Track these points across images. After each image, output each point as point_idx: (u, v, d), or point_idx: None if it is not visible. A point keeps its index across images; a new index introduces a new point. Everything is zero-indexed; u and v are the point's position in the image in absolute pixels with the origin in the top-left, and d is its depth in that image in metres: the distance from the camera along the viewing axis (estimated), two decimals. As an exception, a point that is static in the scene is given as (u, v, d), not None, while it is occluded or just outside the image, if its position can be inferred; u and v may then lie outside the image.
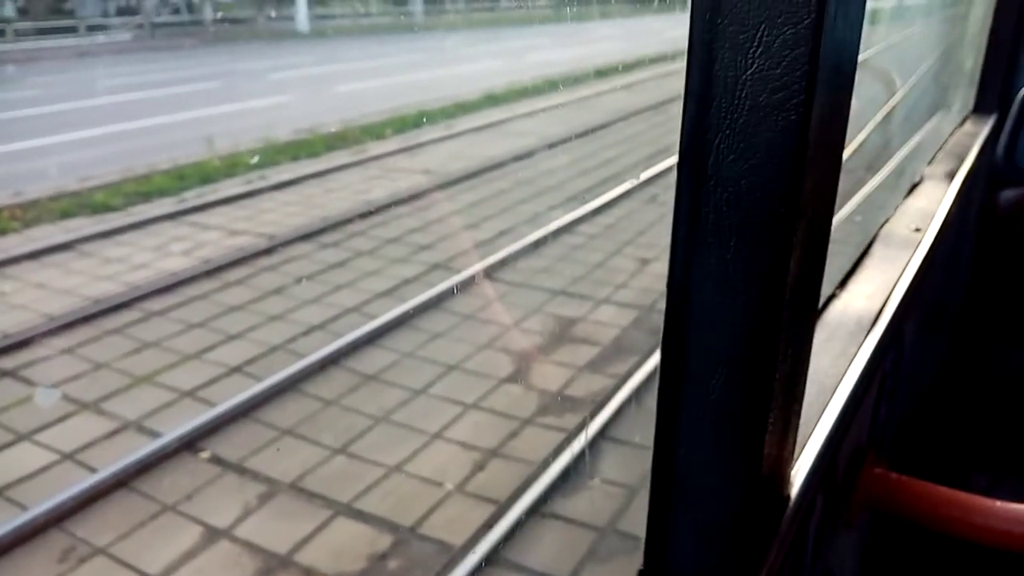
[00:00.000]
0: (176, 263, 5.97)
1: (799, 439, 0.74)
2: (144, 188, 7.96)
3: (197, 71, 19.88)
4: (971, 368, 2.52)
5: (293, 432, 3.77)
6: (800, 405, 0.70)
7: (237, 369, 4.35)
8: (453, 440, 3.69)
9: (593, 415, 3.79)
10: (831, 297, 1.16)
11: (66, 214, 7.20)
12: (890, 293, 1.14)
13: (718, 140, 0.52)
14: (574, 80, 15.05)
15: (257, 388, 4.08)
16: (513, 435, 3.71)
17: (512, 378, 4.22)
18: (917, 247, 1.32)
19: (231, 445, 3.69)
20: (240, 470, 3.51)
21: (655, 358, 4.33)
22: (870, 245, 1.39)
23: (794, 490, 0.72)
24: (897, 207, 1.63)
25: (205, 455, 3.61)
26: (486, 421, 3.84)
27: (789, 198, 0.51)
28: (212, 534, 3.12)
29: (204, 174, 8.47)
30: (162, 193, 7.87)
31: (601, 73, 16.09)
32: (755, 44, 0.49)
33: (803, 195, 0.52)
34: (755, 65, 0.49)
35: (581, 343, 4.58)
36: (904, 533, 1.17)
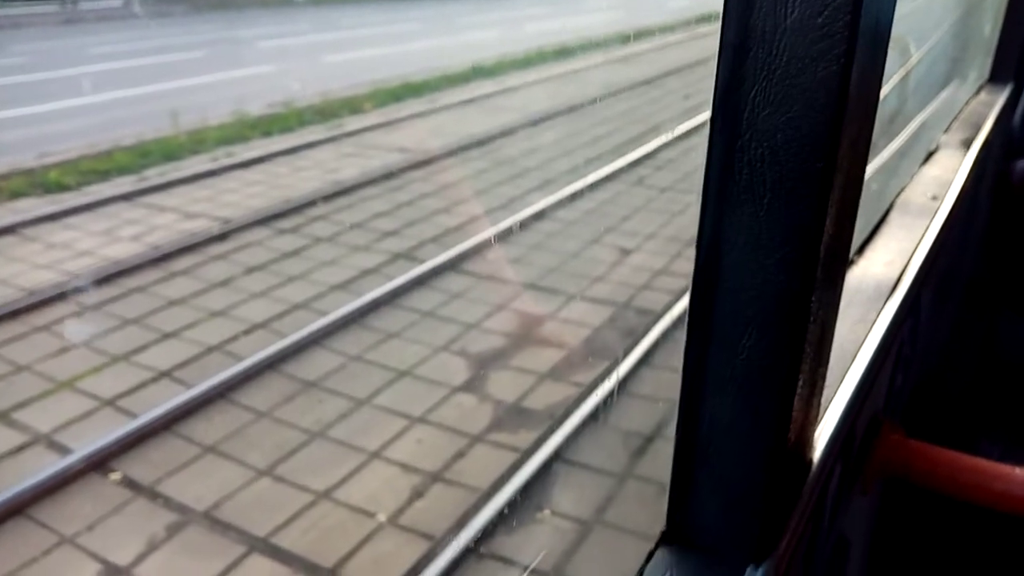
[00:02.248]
0: (122, 250, 5.57)
1: (821, 404, 0.72)
2: (103, 166, 7.53)
3: (183, 39, 19.29)
4: (982, 337, 2.53)
5: (216, 449, 3.41)
6: (826, 369, 0.69)
7: (166, 374, 3.98)
8: (393, 460, 3.32)
9: (549, 433, 3.41)
10: (850, 263, 1.13)
11: (16, 194, 6.79)
12: (908, 260, 1.13)
13: (754, 92, 0.50)
14: (568, 52, 14.50)
15: (184, 397, 3.71)
16: (460, 455, 3.34)
17: (466, 386, 3.84)
18: (934, 215, 1.30)
19: (146, 464, 3.32)
20: (152, 495, 3.15)
21: (628, 361, 3.95)
22: (887, 212, 1.38)
23: (816, 455, 0.70)
24: (913, 175, 1.61)
25: (116, 476, 3.25)
26: (432, 438, 3.46)
27: (827, 153, 0.50)
28: (110, 574, 2.76)
29: (168, 151, 8.04)
30: (121, 171, 7.44)
31: (598, 44, 15.53)
32: None
33: (840, 150, 0.50)
34: (795, 13, 0.48)
35: (546, 345, 4.20)
36: (918, 499, 1.16)
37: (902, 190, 1.50)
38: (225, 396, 3.77)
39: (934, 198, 1.43)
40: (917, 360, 1.31)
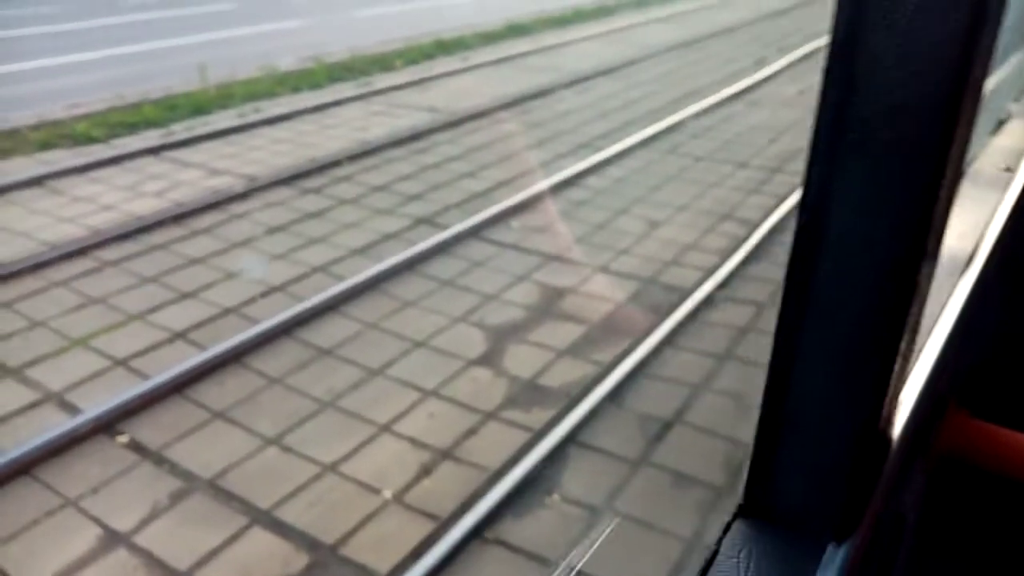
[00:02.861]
0: (146, 205, 5.53)
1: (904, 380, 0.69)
2: (132, 118, 7.49)
3: (217, -10, 19.17)
4: None
5: (226, 415, 3.36)
6: (914, 344, 0.64)
7: (181, 335, 3.93)
8: (403, 435, 3.24)
9: (564, 413, 3.30)
10: None
11: (45, 145, 6.78)
12: (982, 235, 1.08)
13: (874, 43, 0.47)
14: (608, 10, 14.09)
15: (197, 359, 3.66)
16: (471, 432, 3.25)
17: (482, 360, 3.73)
18: (1008, 187, 1.24)
19: (155, 428, 3.29)
20: (158, 459, 3.12)
21: (651, 341, 3.81)
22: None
23: (895, 433, 0.67)
24: (984, 145, 1.52)
25: (123, 439, 3.22)
26: (444, 412, 3.38)
27: (949, 113, 0.46)
28: (109, 539, 2.73)
29: (196, 105, 7.97)
30: (149, 124, 7.40)
31: (639, 3, 15.06)
32: None
33: (963, 111, 0.47)
34: None
35: (567, 320, 4.07)
36: (971, 479, 1.12)
37: (972, 160, 1.39)
38: (239, 360, 3.72)
39: (1008, 169, 1.35)
40: (985, 339, 1.27)
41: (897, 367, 0.58)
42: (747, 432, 3.21)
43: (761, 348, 3.72)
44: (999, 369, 1.32)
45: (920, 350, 0.81)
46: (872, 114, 0.49)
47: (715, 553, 0.63)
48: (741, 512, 0.66)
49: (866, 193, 0.51)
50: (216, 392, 3.51)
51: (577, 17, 13.39)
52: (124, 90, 8.44)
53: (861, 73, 0.48)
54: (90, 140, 6.92)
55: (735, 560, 0.62)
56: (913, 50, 0.46)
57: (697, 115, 7.59)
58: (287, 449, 3.18)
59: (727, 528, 0.65)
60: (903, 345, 0.56)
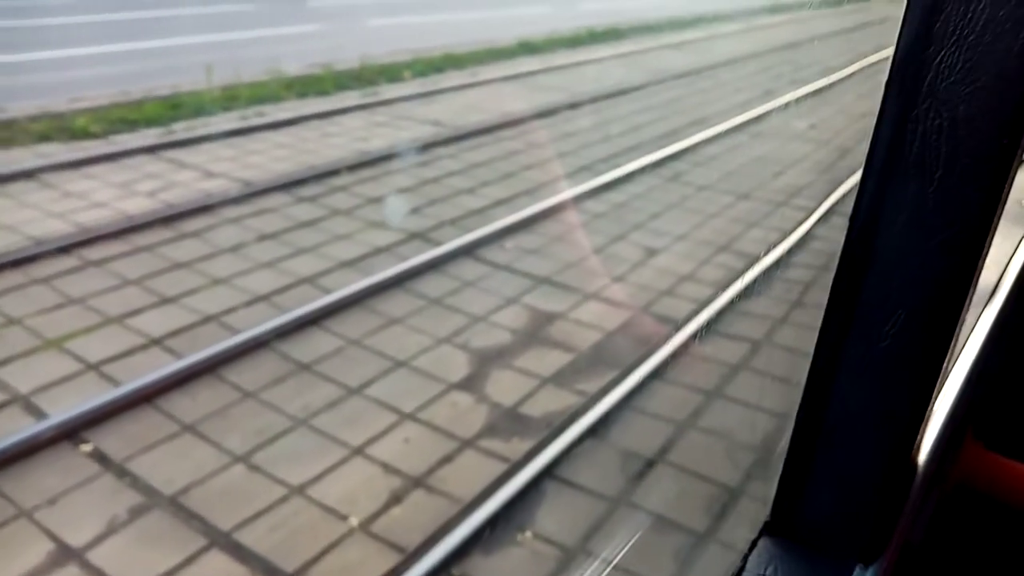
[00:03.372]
0: (137, 204, 5.45)
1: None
2: (133, 115, 7.43)
3: (236, -9, 19.24)
4: None
5: (195, 429, 3.25)
6: (952, 365, 0.70)
7: (158, 341, 3.84)
8: (376, 459, 3.13)
9: (544, 444, 3.20)
10: None
11: (42, 137, 6.71)
12: (1006, 266, 1.09)
13: (940, 57, 0.46)
14: (620, 34, 14.08)
15: (170, 368, 3.56)
16: (446, 460, 3.14)
17: (464, 384, 3.63)
18: None
19: (121, 438, 3.19)
20: (121, 472, 3.01)
21: (640, 372, 3.71)
22: None
23: (921, 457, 0.67)
24: None
25: (87, 448, 3.11)
26: (420, 437, 3.27)
27: (1014, 129, 0.46)
28: (61, 555, 2.63)
29: (200, 105, 7.92)
30: (150, 122, 7.33)
31: (651, 28, 15.06)
32: None
33: None
34: None
35: (554, 347, 3.97)
36: (991, 512, 1.11)
37: None
38: (214, 371, 3.62)
39: None
40: (1003, 372, 1.26)
41: (940, 385, 0.58)
42: (732, 475, 3.10)
43: (751, 388, 3.62)
44: (1015, 403, 1.30)
45: (945, 379, 0.80)
46: (933, 128, 0.48)
47: (741, 569, 0.63)
48: (768, 529, 0.65)
49: (920, 208, 0.50)
50: (187, 404, 3.41)
51: (589, 39, 13.37)
52: (130, 86, 8.39)
53: (924, 88, 0.47)
54: (88, 135, 6.85)
55: None
56: (980, 63, 0.45)
57: (702, 143, 7.52)
58: (255, 468, 3.07)
59: (753, 544, 0.65)
60: (943, 371, 0.55)
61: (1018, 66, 0.44)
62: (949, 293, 0.51)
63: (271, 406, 3.42)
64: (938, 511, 1.00)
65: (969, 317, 0.88)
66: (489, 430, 3.33)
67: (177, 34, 12.20)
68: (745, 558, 0.64)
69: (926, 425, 0.64)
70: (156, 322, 4.00)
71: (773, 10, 18.98)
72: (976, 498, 1.06)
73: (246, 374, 3.62)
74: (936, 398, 0.69)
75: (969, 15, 0.45)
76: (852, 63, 11.75)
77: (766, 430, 3.39)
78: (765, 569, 0.63)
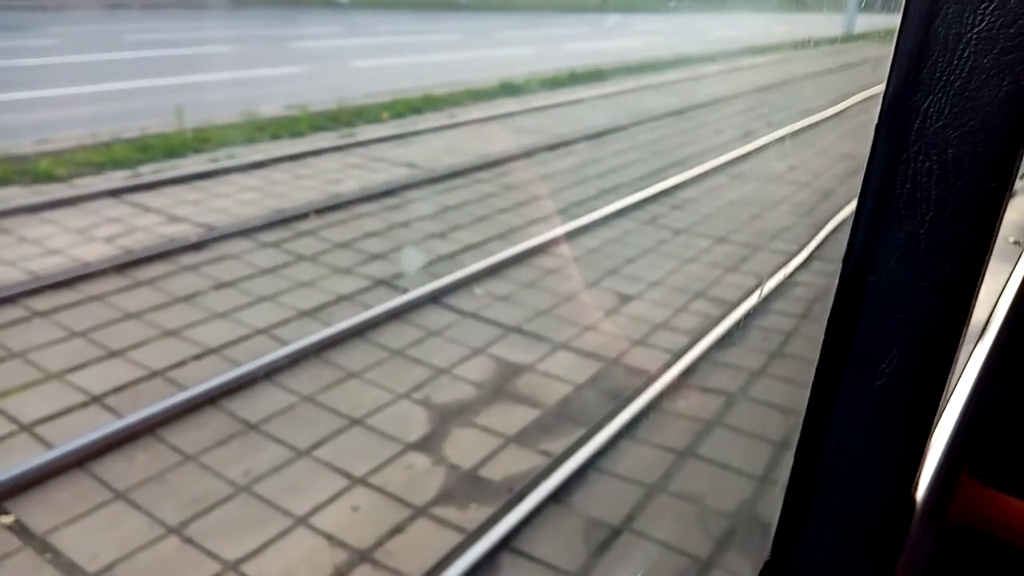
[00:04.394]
0: (94, 251, 5.26)
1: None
2: (100, 158, 7.27)
3: (220, 33, 19.34)
4: None
5: (128, 496, 3.02)
6: (947, 401, 0.71)
7: (98, 399, 3.62)
8: (320, 530, 2.91)
9: (503, 512, 2.98)
10: None
11: (2, 181, 6.53)
12: (996, 303, 1.10)
13: (928, 103, 0.48)
14: (601, 75, 14.12)
15: (108, 429, 3.34)
16: (397, 530, 2.92)
17: (421, 444, 3.42)
18: (1019, 259, 1.27)
19: (47, 507, 2.95)
20: (42, 546, 2.77)
21: (608, 430, 3.51)
22: None
23: (919, 493, 0.67)
24: None
25: (7, 520, 2.87)
26: (371, 505, 3.05)
27: (1002, 172, 0.47)
28: (-37, 645, 2.38)
29: (170, 147, 7.77)
30: (117, 165, 7.17)
31: (632, 70, 15.13)
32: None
33: (1016, 171, 0.48)
34: (985, 22, 0.45)
35: (518, 402, 3.77)
36: (987, 549, 1.07)
37: None
38: (154, 432, 3.40)
39: (1016, 243, 1.37)
40: (997, 408, 1.28)
41: (936, 422, 0.56)
42: (702, 546, 2.90)
43: (726, 446, 3.43)
44: (1009, 439, 1.30)
45: (940, 416, 0.80)
46: (923, 171, 0.49)
47: None
48: (768, 568, 0.65)
49: (912, 249, 0.50)
50: (122, 468, 3.18)
51: (571, 80, 13.39)
52: (102, 127, 8.25)
53: (914, 130, 0.48)
54: (51, 178, 6.67)
55: None
56: (967, 109, 0.46)
57: (680, 186, 7.42)
58: (188, 540, 2.84)
59: None
60: (939, 408, 0.54)
61: (1003, 111, 0.45)
62: (942, 331, 0.52)
63: (211, 471, 3.19)
64: (936, 548, 1.00)
65: (962, 354, 0.86)
66: (445, 496, 3.11)
67: (157, 75, 12.11)
68: None
69: (923, 462, 0.63)
70: (99, 378, 3.78)
71: (755, 51, 19.18)
72: (973, 535, 1.06)
73: (189, 435, 3.40)
74: (932, 435, 0.68)
75: (955, 62, 0.46)
76: (834, 104, 11.78)
77: (741, 494, 3.19)
78: None
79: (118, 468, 3.18)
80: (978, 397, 0.94)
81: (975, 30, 0.45)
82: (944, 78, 0.47)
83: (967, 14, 0.45)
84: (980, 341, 1.02)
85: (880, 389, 0.55)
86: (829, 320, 0.56)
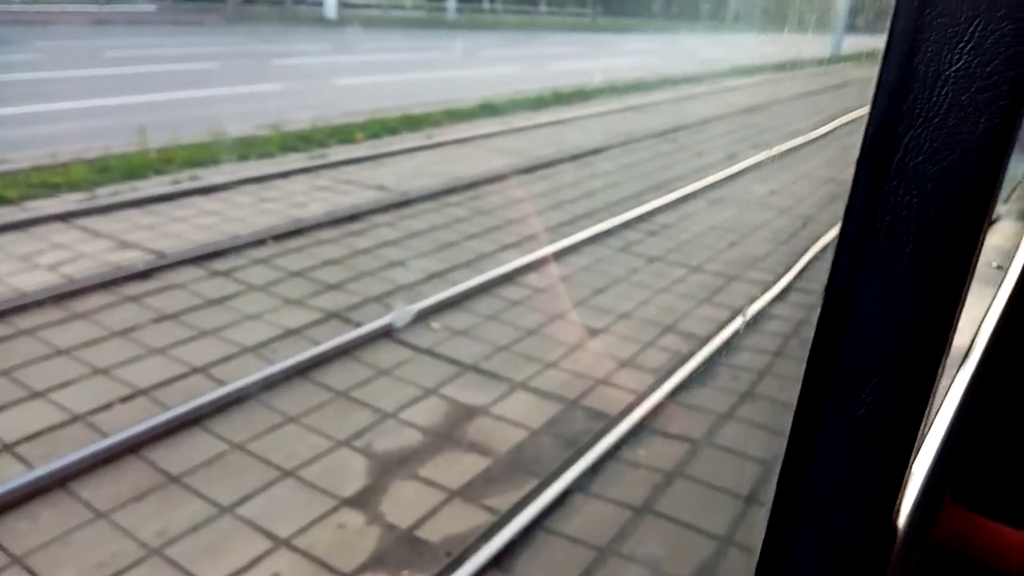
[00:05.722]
0: (34, 279, 4.99)
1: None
2: (56, 179, 7.02)
3: (203, 49, 19.15)
4: None
5: (24, 562, 2.74)
6: (928, 428, 0.71)
7: (9, 447, 3.34)
8: (233, 601, 2.63)
9: (436, 581, 2.71)
10: None
11: (-51, 203, 6.27)
12: (978, 328, 1.09)
13: (908, 138, 0.50)
14: (586, 95, 13.97)
15: (13, 483, 3.06)
16: (318, 602, 2.65)
17: (357, 500, 3.15)
18: (1001, 284, 1.26)
19: (-70, 576, 2.67)
20: (-83, 623, 2.49)
21: (561, 483, 3.26)
22: None
23: (901, 519, 0.67)
24: None
25: None
26: (293, 571, 2.78)
27: (978, 207, 0.49)
28: None
29: (131, 168, 7.52)
30: (73, 187, 6.92)
31: (617, 90, 14.99)
32: (966, 39, 0.46)
33: (992, 206, 0.50)
34: (962, 61, 0.47)
35: (467, 450, 3.51)
36: (965, 573, 1.05)
37: None
38: (64, 485, 3.12)
39: (999, 267, 1.38)
40: (980, 433, 1.24)
41: (916, 451, 0.58)
42: (654, 619, 2.63)
43: (687, 500, 3.18)
44: (993, 464, 1.28)
45: (922, 442, 0.81)
46: (903, 204, 0.50)
47: None
48: None
49: (892, 280, 0.52)
50: (24, 528, 2.90)
51: (553, 100, 13.22)
52: (64, 146, 8.00)
53: (894, 165, 0.50)
54: (1, 201, 6.41)
55: None
56: (946, 146, 0.48)
57: (657, 211, 7.20)
58: (84, 615, 2.56)
59: None
60: (919, 436, 0.57)
61: (980, 148, 0.47)
62: (922, 361, 0.53)
63: (122, 530, 2.91)
64: (919, 572, 0.98)
65: (944, 380, 0.86)
66: (376, 561, 2.84)
67: (131, 92, 11.89)
68: None
69: (905, 488, 0.64)
70: (14, 423, 3.50)
71: (743, 72, 19.10)
72: (955, 559, 1.05)
73: (102, 488, 3.12)
74: (914, 462, 0.71)
75: (934, 99, 0.47)
76: (817, 127, 11.64)
77: (701, 556, 2.93)
78: None
79: (19, 528, 2.90)
80: (961, 422, 0.94)
81: (953, 68, 0.46)
82: (924, 114, 0.48)
83: (945, 52, 0.47)
84: (963, 366, 1.02)
85: (861, 417, 0.56)
86: (811, 348, 0.57)
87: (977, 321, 1.15)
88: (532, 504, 3.13)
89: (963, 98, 0.46)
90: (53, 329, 4.36)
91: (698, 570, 2.88)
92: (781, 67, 20.22)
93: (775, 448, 3.54)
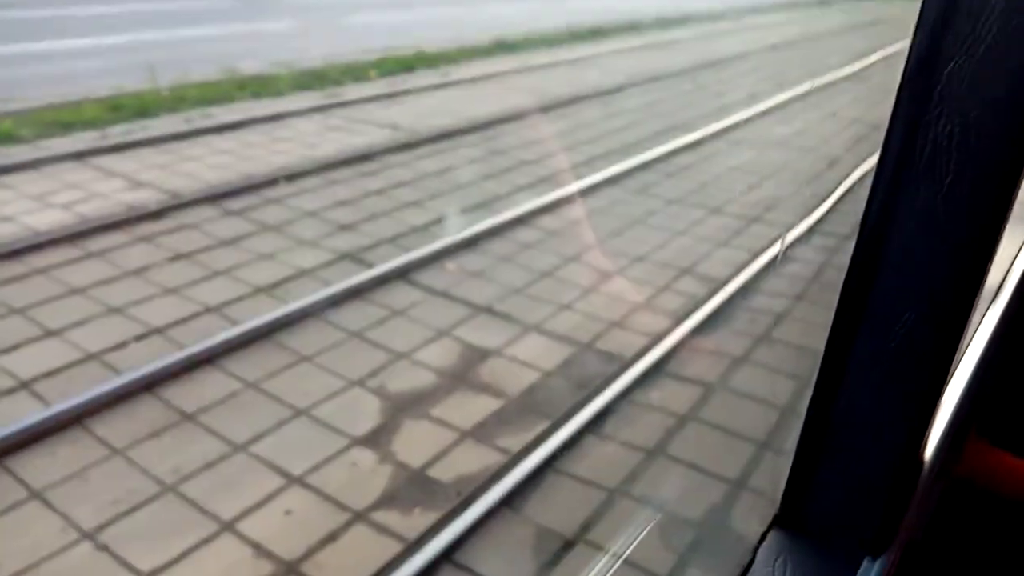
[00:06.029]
0: (48, 218, 4.99)
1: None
2: (68, 117, 6.96)
3: (215, -14, 18.75)
4: None
5: (43, 496, 2.79)
6: (958, 363, 0.72)
7: (26, 385, 3.37)
8: (247, 537, 2.67)
9: (449, 518, 2.73)
10: None
11: (-38, 142, 6.25)
12: (1010, 266, 1.08)
13: (951, 67, 0.48)
14: (603, 33, 13.60)
15: (31, 419, 3.10)
16: (331, 538, 2.68)
17: (369, 439, 3.17)
18: None
19: (-48, 508, 2.72)
20: (-59, 553, 2.55)
21: (572, 425, 3.25)
22: None
23: (927, 452, 0.69)
24: None
25: (-93, 522, 2.65)
26: (305, 508, 2.81)
27: (1021, 138, 0.47)
28: None
29: (143, 106, 7.44)
30: (86, 125, 6.86)
31: (639, 27, 14.57)
32: None
33: None
34: None
35: (479, 391, 3.51)
36: (994, 507, 1.08)
37: None
38: (82, 422, 3.15)
39: None
40: (1007, 370, 1.23)
41: (941, 390, 0.58)
42: (666, 561, 2.64)
43: (699, 444, 3.17)
44: (1018, 401, 1.27)
45: (951, 377, 0.79)
46: (944, 135, 0.48)
47: (751, 561, 0.64)
48: (777, 522, 0.67)
49: (930, 212, 0.51)
50: (45, 464, 2.94)
51: (571, 38, 12.89)
52: (75, 86, 7.92)
53: (936, 94, 0.48)
54: (14, 140, 6.38)
55: (770, 570, 0.63)
56: (990, 76, 0.46)
57: (676, 152, 7.05)
58: (103, 547, 2.60)
59: (763, 537, 0.67)
60: (951, 369, 0.56)
61: None
62: (957, 295, 0.52)
63: (138, 466, 2.95)
64: (942, 505, 1.00)
65: (975, 317, 0.85)
66: (388, 499, 2.86)
67: (142, 30, 11.71)
68: (755, 550, 0.64)
69: (932, 422, 0.64)
70: (31, 361, 3.53)
71: (763, 9, 18.49)
72: (979, 493, 1.07)
73: (118, 425, 3.15)
74: (943, 396, 0.68)
75: (979, 29, 0.45)
76: (842, 65, 11.28)
77: (712, 500, 2.93)
78: (775, 561, 0.63)
79: (39, 464, 2.94)
80: (989, 359, 0.94)
81: None
82: (968, 44, 0.46)
83: None
84: (993, 304, 1.02)
85: (893, 350, 0.56)
86: (845, 280, 0.56)
87: (1009, 259, 1.13)
88: (543, 445, 3.13)
89: (1012, 24, 0.44)
90: (67, 268, 4.36)
91: (707, 511, 2.88)
92: (804, 4, 19.56)
93: (790, 392, 3.50)
